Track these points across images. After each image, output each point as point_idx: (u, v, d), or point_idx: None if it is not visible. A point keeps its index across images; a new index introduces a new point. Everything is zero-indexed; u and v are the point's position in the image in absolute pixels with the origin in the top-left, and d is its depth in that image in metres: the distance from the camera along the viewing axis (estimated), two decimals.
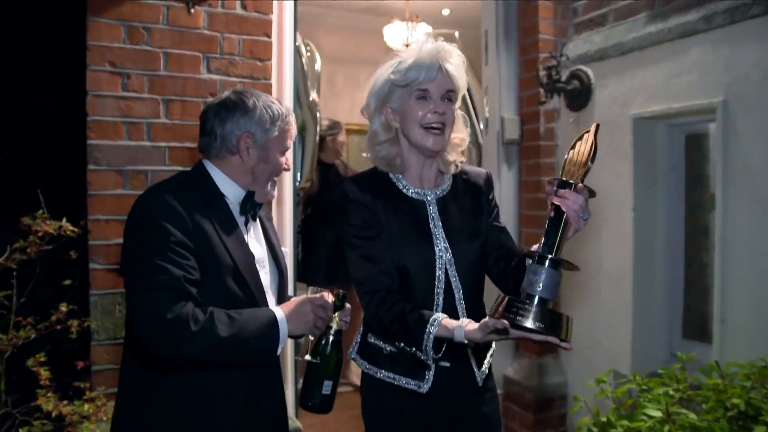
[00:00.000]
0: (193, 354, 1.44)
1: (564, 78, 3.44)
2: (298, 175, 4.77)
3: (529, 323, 1.38)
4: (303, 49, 4.54)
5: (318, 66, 4.91)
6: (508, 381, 3.68)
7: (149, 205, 1.55)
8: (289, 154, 1.79)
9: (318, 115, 4.68)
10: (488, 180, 1.90)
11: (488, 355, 1.84)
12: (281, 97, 3.03)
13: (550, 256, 1.42)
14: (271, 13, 2.92)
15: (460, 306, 1.72)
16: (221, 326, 1.45)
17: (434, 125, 1.70)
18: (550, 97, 3.50)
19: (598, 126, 1.50)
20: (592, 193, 1.47)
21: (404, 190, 1.77)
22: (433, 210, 1.76)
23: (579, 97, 3.39)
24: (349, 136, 6.14)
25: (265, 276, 1.73)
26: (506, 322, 1.39)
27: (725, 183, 2.67)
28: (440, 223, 1.75)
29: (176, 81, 2.74)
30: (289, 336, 1.58)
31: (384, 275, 1.69)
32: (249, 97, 1.68)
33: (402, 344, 1.68)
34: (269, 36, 2.92)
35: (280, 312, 1.57)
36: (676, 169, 3.17)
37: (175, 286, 1.46)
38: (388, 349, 1.75)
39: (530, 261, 1.47)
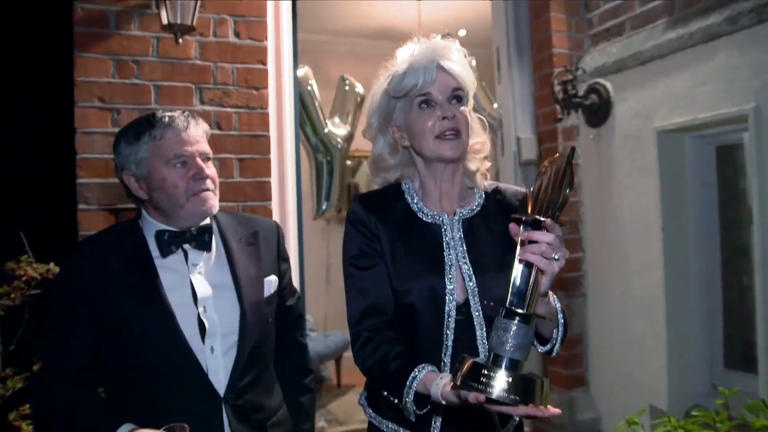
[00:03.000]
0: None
1: (581, 92, 3.25)
2: (324, 204, 4.71)
3: (497, 394, 1.14)
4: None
5: (359, 98, 4.91)
6: (535, 417, 3.43)
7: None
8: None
9: (342, 145, 4.63)
10: (526, 201, 1.61)
11: None
12: (282, 126, 2.91)
13: (520, 311, 1.19)
14: (266, 39, 2.81)
15: (483, 345, 1.47)
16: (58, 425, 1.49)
17: (447, 133, 1.48)
18: (568, 114, 3.30)
19: (573, 150, 1.25)
20: (564, 226, 1.24)
21: (418, 213, 1.55)
22: (450, 235, 1.52)
23: (598, 112, 3.19)
24: (362, 163, 6.07)
25: (211, 316, 1.58)
26: (481, 397, 1.16)
27: (762, 197, 2.43)
28: (464, 247, 1.51)
29: None
30: None
31: (372, 312, 1.50)
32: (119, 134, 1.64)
33: (385, 393, 1.47)
34: (264, 63, 2.80)
35: None
36: (707, 185, 2.94)
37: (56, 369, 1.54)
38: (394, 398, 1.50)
39: (499, 314, 1.22)
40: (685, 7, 2.79)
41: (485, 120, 1.62)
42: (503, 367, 1.17)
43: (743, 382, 2.67)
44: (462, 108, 1.50)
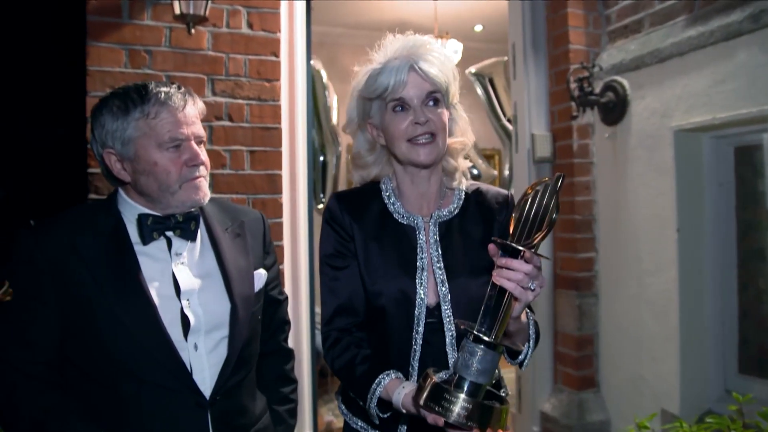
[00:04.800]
0: None
1: (597, 90, 3.20)
2: (321, 195, 4.70)
3: (454, 419, 1.16)
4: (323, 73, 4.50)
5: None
6: (544, 418, 3.40)
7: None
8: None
9: (339, 140, 4.62)
10: (506, 204, 1.57)
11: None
12: (294, 118, 2.89)
13: (487, 339, 1.18)
14: (279, 31, 2.80)
15: (452, 350, 1.45)
16: None
17: (420, 137, 1.44)
18: (583, 111, 3.25)
19: (562, 177, 1.20)
20: (544, 258, 1.23)
21: (394, 214, 1.52)
22: (425, 238, 1.49)
23: (614, 110, 3.14)
24: None
25: (195, 310, 1.43)
26: (440, 421, 1.18)
27: None
28: (438, 251, 1.48)
29: None
30: None
31: (343, 313, 1.50)
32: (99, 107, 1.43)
33: (352, 395, 1.47)
34: (277, 55, 2.79)
35: None
36: (724, 186, 2.88)
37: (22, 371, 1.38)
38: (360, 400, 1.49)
39: (467, 337, 1.22)
40: (706, 4, 2.73)
41: (466, 118, 1.57)
42: (465, 390, 1.19)
43: (757, 388, 2.62)
44: (439, 110, 1.46)
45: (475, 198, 1.57)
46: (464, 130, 1.56)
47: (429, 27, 5.41)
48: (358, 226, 1.51)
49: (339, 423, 4.36)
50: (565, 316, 3.38)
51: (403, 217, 1.52)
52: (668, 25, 2.92)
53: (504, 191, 1.60)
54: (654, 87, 2.96)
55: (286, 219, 2.83)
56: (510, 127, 4.33)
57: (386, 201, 1.54)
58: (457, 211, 1.54)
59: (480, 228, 1.53)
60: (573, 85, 3.22)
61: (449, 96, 1.48)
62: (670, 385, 2.87)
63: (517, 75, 3.55)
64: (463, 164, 1.56)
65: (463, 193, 1.57)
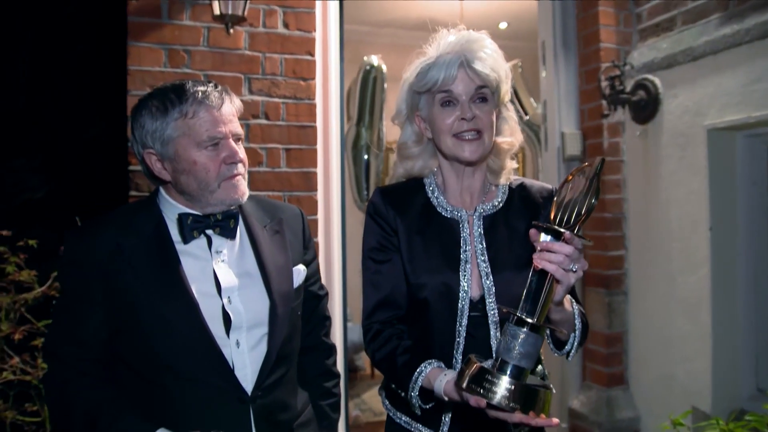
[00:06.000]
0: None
1: (628, 88, 3.20)
2: (364, 192, 4.76)
3: (497, 401, 1.16)
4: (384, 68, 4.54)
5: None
6: (573, 414, 3.41)
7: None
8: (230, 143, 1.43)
9: (383, 140, 4.68)
10: (551, 199, 1.53)
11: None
12: (327, 117, 2.93)
13: (530, 321, 1.19)
14: (314, 31, 2.83)
15: (496, 344, 1.44)
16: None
17: (466, 133, 1.45)
18: (614, 110, 3.26)
19: (603, 161, 1.21)
20: (585, 240, 1.23)
21: (437, 208, 1.54)
22: (467, 231, 1.50)
23: (645, 108, 3.14)
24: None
25: (236, 307, 1.45)
26: (482, 402, 1.18)
27: None
28: (483, 244, 1.49)
29: None
30: None
31: (385, 306, 1.51)
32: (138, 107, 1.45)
33: (393, 386, 1.49)
34: (312, 54, 2.82)
35: None
36: (757, 184, 2.88)
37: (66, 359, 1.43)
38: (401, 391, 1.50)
39: (509, 320, 1.23)
40: (741, 2, 2.72)
41: (516, 118, 1.58)
42: (508, 374, 1.19)
43: None
44: (486, 108, 1.46)
45: (519, 192, 1.58)
46: (513, 130, 1.56)
47: (454, 25, 5.41)
48: (402, 219, 1.53)
49: (365, 418, 4.41)
50: (594, 313, 3.38)
51: (446, 210, 1.53)
52: (701, 23, 2.92)
53: (548, 186, 1.61)
54: (686, 85, 2.96)
55: (320, 216, 2.87)
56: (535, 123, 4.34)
57: (429, 195, 1.56)
58: (501, 205, 1.55)
59: (525, 222, 1.53)
60: (604, 84, 3.23)
61: (499, 94, 1.49)
62: (701, 383, 2.87)
63: (547, 73, 3.56)
64: (510, 164, 1.56)
65: (507, 187, 1.58)
